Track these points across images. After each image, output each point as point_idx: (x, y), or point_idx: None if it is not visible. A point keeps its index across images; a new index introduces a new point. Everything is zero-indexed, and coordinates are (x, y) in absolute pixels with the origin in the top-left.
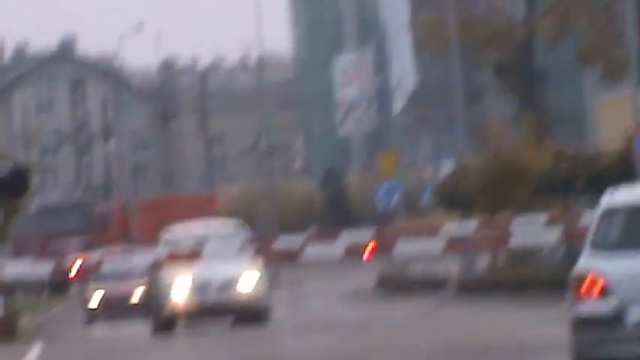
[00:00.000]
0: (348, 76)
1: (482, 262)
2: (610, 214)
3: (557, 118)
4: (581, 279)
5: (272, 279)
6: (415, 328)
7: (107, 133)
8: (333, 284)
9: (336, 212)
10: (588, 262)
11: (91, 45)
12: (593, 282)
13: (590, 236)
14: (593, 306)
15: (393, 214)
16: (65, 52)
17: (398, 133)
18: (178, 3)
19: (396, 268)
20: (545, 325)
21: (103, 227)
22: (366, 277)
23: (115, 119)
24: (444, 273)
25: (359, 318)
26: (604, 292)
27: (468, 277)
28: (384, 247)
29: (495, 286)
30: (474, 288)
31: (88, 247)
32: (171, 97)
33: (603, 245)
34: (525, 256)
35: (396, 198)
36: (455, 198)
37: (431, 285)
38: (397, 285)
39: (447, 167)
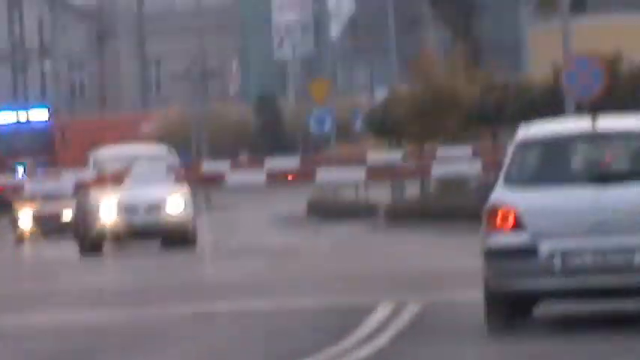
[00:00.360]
0: (287, 1)
1: (413, 190)
2: (523, 148)
3: (493, 48)
4: (494, 211)
5: (200, 203)
6: (341, 255)
7: (44, 52)
8: (265, 209)
9: (270, 137)
10: (501, 195)
11: None
12: (506, 214)
13: (504, 169)
14: (505, 238)
15: (325, 141)
16: None
17: (335, 60)
18: None
19: (327, 194)
20: (466, 256)
21: (64, 146)
22: (297, 202)
23: (52, 39)
24: (375, 200)
25: (288, 243)
26: (516, 225)
27: (397, 205)
28: (308, 175)
29: (425, 214)
30: (404, 215)
31: (46, 166)
32: (110, 17)
33: (516, 178)
34: (455, 185)
35: (327, 125)
36: (385, 126)
37: (361, 211)
38: (328, 211)
39: (380, 95)
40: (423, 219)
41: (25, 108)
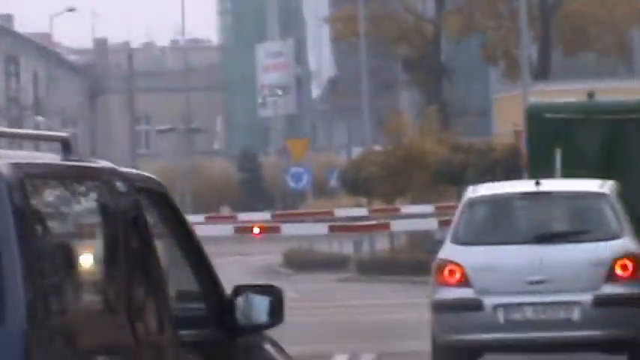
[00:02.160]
0: (270, 63)
1: (382, 244)
2: (469, 208)
3: (462, 111)
4: (441, 267)
5: None
6: (306, 306)
7: (37, 107)
8: (242, 261)
9: (251, 192)
10: (449, 253)
11: (25, 23)
12: (453, 271)
13: (451, 228)
14: (452, 293)
15: (301, 196)
16: (0, 28)
17: (315, 119)
18: None
19: (301, 246)
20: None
21: None
22: (272, 255)
23: (46, 95)
24: (347, 253)
25: None
26: (462, 282)
27: (367, 258)
28: (275, 229)
29: (393, 267)
30: (374, 268)
31: None
32: (102, 75)
33: (463, 237)
34: (422, 240)
35: (304, 181)
36: (357, 184)
37: (334, 264)
38: (302, 263)
39: (356, 154)
40: (392, 271)
41: None
